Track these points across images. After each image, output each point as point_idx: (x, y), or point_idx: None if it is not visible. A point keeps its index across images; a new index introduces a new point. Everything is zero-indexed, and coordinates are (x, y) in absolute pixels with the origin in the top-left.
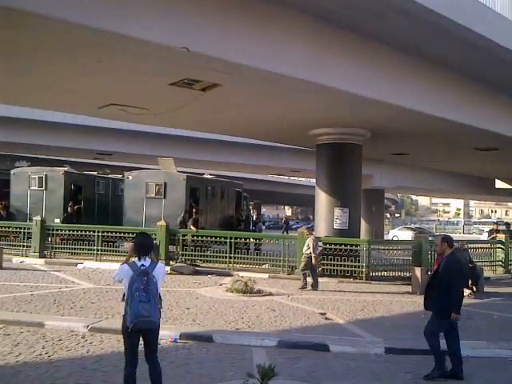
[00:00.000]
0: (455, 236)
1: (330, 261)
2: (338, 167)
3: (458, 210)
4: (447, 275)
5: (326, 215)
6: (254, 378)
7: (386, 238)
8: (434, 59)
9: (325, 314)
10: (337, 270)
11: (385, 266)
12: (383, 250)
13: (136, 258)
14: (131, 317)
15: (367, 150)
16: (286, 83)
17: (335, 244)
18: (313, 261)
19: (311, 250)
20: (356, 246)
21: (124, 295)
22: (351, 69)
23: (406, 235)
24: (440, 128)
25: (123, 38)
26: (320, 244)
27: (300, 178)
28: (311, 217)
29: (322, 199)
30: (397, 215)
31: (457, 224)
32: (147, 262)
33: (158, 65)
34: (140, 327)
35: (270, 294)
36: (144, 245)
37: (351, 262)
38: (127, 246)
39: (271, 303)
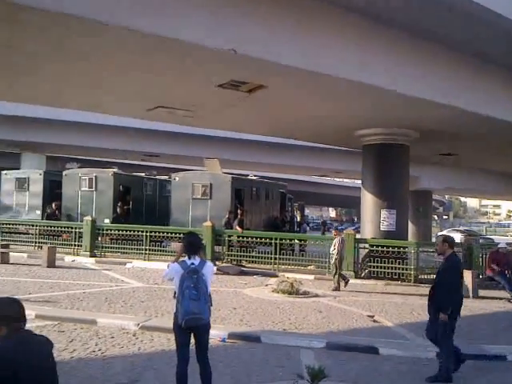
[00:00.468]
0: (506, 239)
1: (377, 263)
2: (384, 168)
3: (510, 211)
4: (446, 275)
5: (373, 217)
6: (304, 379)
7: (434, 240)
8: (487, 57)
9: (373, 316)
10: (384, 272)
11: (434, 269)
12: (432, 252)
13: (186, 257)
14: (182, 314)
15: (415, 151)
16: (332, 84)
17: (382, 246)
18: (335, 260)
19: (336, 250)
20: (404, 248)
21: (175, 293)
22: (400, 68)
23: (455, 238)
24: (495, 129)
25: (172, 42)
26: (366, 246)
27: (345, 180)
28: (356, 218)
29: (369, 201)
30: (445, 217)
31: (508, 226)
32: (197, 260)
33: (206, 67)
34: (191, 324)
35: (316, 296)
36: (193, 244)
37: (398, 264)
38: (174, 245)
39: (318, 304)
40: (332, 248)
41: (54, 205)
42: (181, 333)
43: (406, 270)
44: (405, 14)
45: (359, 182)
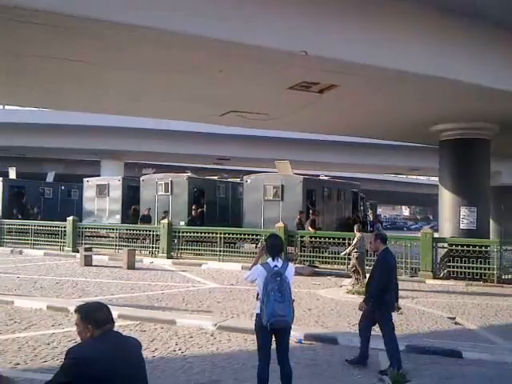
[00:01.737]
0: None
1: (457, 263)
2: (463, 164)
3: None
4: (380, 268)
5: (451, 215)
6: (385, 382)
7: None
8: None
9: (454, 318)
10: (464, 272)
11: None
12: None
13: (269, 259)
14: (268, 316)
15: (496, 145)
16: (406, 79)
17: (462, 245)
18: (354, 258)
19: (352, 247)
20: (486, 246)
21: (257, 294)
22: (478, 59)
23: None
24: None
25: (245, 47)
26: (445, 245)
27: (419, 177)
28: (431, 217)
29: (447, 198)
30: None
31: None
32: (279, 262)
33: (277, 70)
34: (276, 326)
35: None
36: (276, 246)
37: (480, 264)
38: (259, 247)
39: None
40: (351, 247)
41: (146, 210)
42: (264, 334)
43: (489, 269)
44: (484, 3)
45: (435, 179)
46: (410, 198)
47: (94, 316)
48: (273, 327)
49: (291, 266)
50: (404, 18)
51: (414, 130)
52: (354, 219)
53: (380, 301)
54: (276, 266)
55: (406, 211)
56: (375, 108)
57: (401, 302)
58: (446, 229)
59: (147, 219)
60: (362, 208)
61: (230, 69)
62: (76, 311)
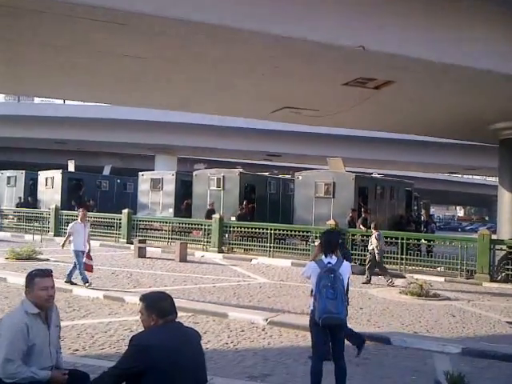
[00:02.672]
0: None
1: None
2: None
3: None
4: None
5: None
6: None
7: None
8: None
9: None
10: None
11: None
12: None
13: (323, 256)
14: (319, 312)
15: None
16: (466, 75)
17: None
18: (376, 258)
19: (374, 246)
20: None
21: (312, 291)
22: None
23: None
24: None
25: (301, 43)
26: (503, 247)
27: (474, 177)
28: (487, 218)
29: (507, 199)
30: None
31: None
32: (333, 259)
33: (332, 66)
34: (328, 323)
35: (448, 299)
36: (330, 242)
37: None
38: (317, 245)
39: (450, 308)
40: (369, 244)
41: (211, 205)
42: (317, 330)
43: None
44: None
45: (492, 179)
46: (464, 198)
47: (159, 305)
48: (325, 323)
49: (346, 264)
50: (466, 13)
51: (472, 127)
52: (407, 218)
53: None
54: (329, 262)
55: (460, 212)
56: (432, 105)
57: (456, 304)
58: (505, 230)
59: (212, 213)
60: (415, 207)
61: (285, 65)
62: (141, 299)
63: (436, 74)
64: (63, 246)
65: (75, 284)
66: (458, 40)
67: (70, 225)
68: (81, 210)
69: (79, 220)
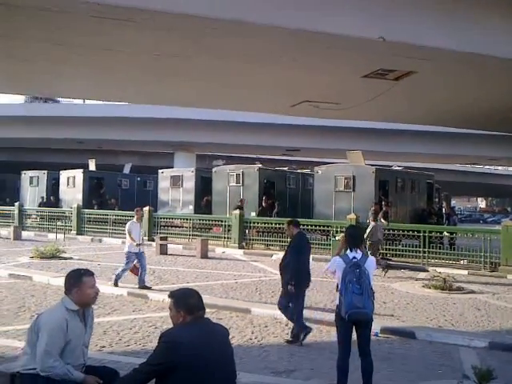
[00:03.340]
0: None
1: None
2: None
3: None
4: (294, 250)
5: None
6: (470, 379)
7: None
8: None
9: None
10: None
11: None
12: None
13: (348, 250)
14: (346, 307)
15: None
16: (488, 64)
17: None
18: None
19: (366, 234)
20: None
21: (337, 286)
22: None
23: None
24: None
25: (319, 35)
26: None
27: (497, 167)
28: (509, 209)
29: None
30: None
31: None
32: (358, 254)
33: (352, 58)
34: (354, 318)
35: (472, 292)
36: (354, 237)
37: None
38: (341, 240)
39: (474, 301)
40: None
41: (240, 201)
42: (343, 325)
43: None
44: None
45: None
46: (485, 189)
47: (187, 302)
48: (351, 319)
49: (371, 259)
50: (487, 1)
51: (495, 117)
52: (428, 211)
53: (297, 279)
54: (355, 257)
55: (482, 203)
56: (453, 95)
57: (480, 297)
58: None
59: (240, 209)
60: (436, 200)
61: (304, 58)
62: (169, 296)
63: (457, 64)
64: (138, 244)
65: (150, 288)
66: (480, 28)
67: (128, 223)
68: (136, 209)
69: (135, 219)
